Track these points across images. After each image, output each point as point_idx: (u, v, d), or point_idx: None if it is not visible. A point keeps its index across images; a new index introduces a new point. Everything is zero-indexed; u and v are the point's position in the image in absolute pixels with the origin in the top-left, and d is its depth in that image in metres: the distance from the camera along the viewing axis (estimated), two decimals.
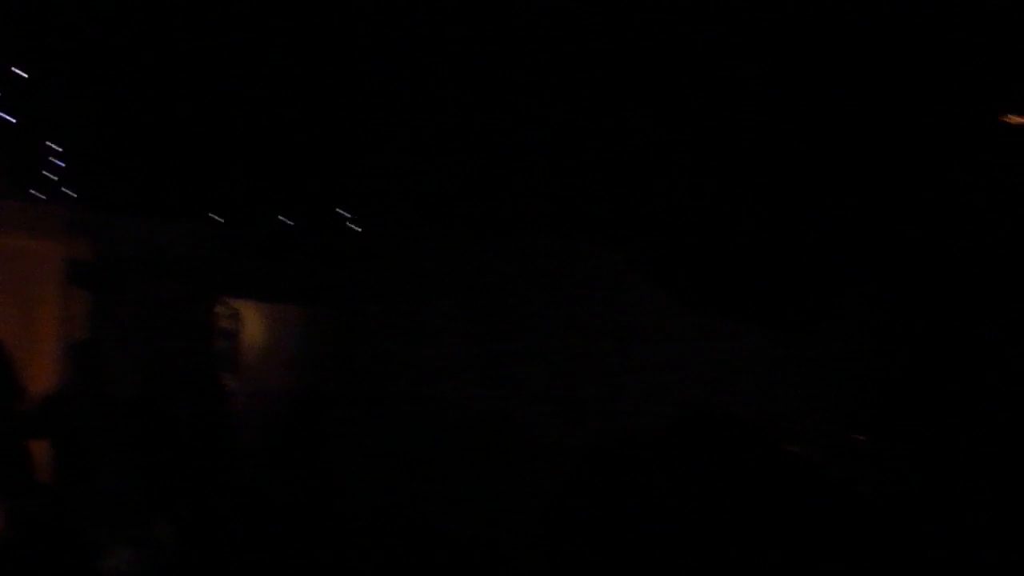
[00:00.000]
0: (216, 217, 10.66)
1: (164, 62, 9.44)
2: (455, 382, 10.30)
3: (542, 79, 8.10)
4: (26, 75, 8.87)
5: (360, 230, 10.59)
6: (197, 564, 8.22)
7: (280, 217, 10.66)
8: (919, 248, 9.45)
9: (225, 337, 12.03)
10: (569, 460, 9.01)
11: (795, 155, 8.57)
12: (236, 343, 12.15)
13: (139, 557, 7.94)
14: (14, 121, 8.98)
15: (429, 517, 9.51)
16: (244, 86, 9.60)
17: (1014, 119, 7.72)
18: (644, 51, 7.93)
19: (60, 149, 9.51)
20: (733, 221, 9.08)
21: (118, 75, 9.37)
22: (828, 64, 8.00)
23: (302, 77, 9.53)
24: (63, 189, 9.86)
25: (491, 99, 8.75)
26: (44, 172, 9.64)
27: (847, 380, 9.59)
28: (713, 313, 9.51)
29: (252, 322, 12.47)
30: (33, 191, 9.94)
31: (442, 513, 9.54)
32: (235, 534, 8.76)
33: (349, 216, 10.47)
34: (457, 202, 9.80)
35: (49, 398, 8.92)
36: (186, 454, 8.96)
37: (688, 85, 8.34)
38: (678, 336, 9.75)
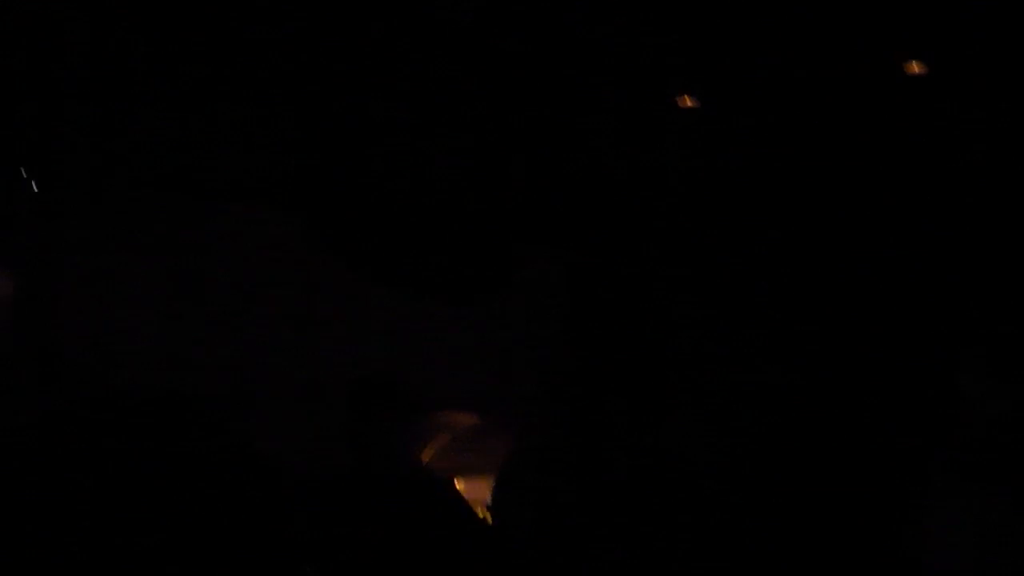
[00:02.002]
0: None
1: None
2: (136, 355, 10.08)
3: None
4: None
5: (37, 189, 10.22)
6: None
7: None
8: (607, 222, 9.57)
9: None
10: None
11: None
12: None
13: None
14: None
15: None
16: None
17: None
18: None
19: None
20: (418, 191, 9.06)
21: None
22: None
23: None
24: None
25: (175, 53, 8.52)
26: None
27: (534, 357, 9.67)
28: (395, 287, 9.49)
29: None
30: None
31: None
32: None
33: (26, 174, 10.09)
34: (141, 161, 9.56)
35: None
36: None
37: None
38: (357, 310, 9.72)
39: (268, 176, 9.37)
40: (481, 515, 7.36)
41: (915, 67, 7.93)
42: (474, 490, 7.77)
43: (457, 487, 7.48)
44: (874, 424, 8.08)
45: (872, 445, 7.79)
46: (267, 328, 9.96)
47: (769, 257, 8.99)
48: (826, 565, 7.18)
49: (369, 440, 7.20)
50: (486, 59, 8.00)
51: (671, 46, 7.55)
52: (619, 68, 7.92)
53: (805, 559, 7.29)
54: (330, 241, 9.49)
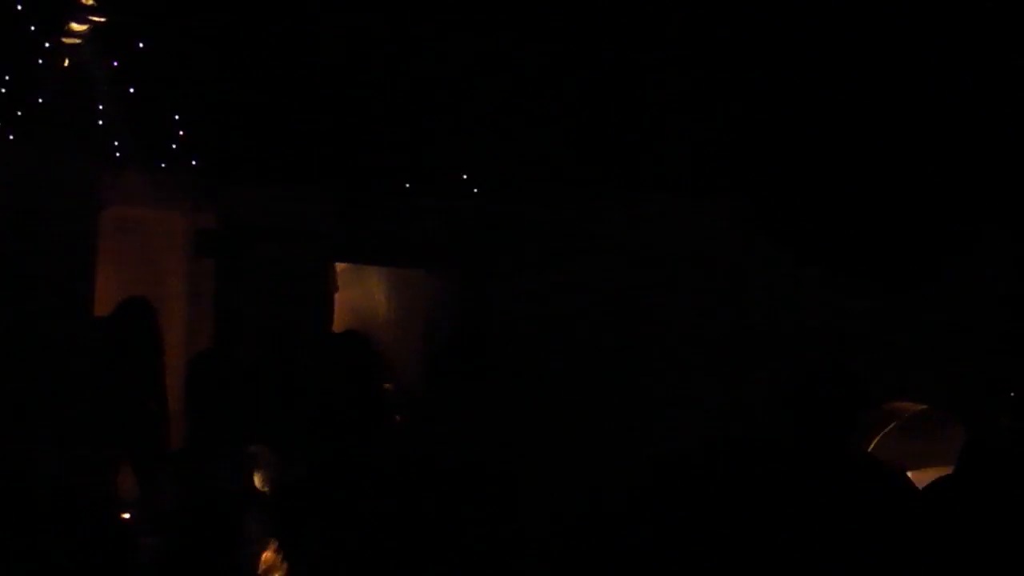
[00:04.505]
0: (337, 182, 10.71)
1: (283, 26, 9.48)
2: (580, 347, 10.31)
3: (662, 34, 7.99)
4: (144, 45, 8.97)
5: (478, 192, 10.58)
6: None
7: (402, 182, 10.68)
8: None
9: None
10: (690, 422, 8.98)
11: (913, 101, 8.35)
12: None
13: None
14: (132, 91, 9.10)
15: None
16: (360, 51, 9.62)
17: None
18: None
19: (181, 119, 9.60)
20: (855, 177, 8.90)
21: (237, 43, 9.44)
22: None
23: (418, 42, 9.50)
24: (186, 159, 9.97)
25: (606, 57, 8.65)
26: (166, 142, 9.74)
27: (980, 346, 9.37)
28: (835, 273, 9.37)
29: (376, 286, 12.55)
30: (157, 162, 10.06)
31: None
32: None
33: (468, 179, 10.46)
34: (572, 162, 9.75)
35: (192, 365, 9.12)
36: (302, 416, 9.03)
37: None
38: (798, 296, 9.65)
39: (708, 169, 9.42)
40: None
41: None
42: (923, 479, 7.57)
43: (907, 475, 7.30)
44: None
45: None
46: (703, 321, 10.05)
47: None
48: None
49: (814, 428, 7.10)
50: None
51: None
52: None
53: None
54: (774, 232, 9.47)
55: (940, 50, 7.76)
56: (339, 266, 12.14)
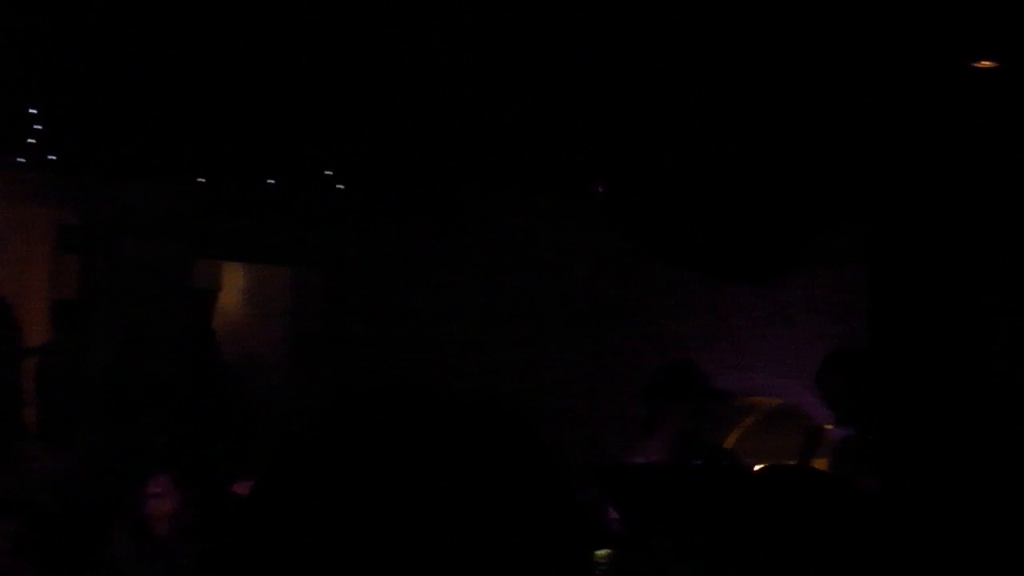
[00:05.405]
0: (201, 179, 10.60)
1: (142, 21, 9.34)
2: (444, 353, 10.32)
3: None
4: None
5: (344, 188, 10.54)
6: None
7: (265, 178, 10.60)
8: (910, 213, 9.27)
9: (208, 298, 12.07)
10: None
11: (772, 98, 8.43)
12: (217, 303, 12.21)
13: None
14: None
15: None
16: (225, 46, 9.51)
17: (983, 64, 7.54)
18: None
19: (38, 113, 9.42)
20: (704, 170, 8.97)
21: (96, 34, 9.28)
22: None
23: (283, 36, 9.41)
24: (44, 154, 9.81)
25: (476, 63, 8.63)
26: (23, 137, 9.57)
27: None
28: (694, 271, 9.44)
29: (237, 283, 12.47)
30: (14, 156, 9.90)
31: None
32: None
33: (333, 175, 10.41)
34: (436, 159, 9.75)
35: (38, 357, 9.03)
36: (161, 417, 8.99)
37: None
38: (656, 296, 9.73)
39: (563, 169, 9.45)
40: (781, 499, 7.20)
41: None
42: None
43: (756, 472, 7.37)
44: None
45: None
46: (570, 315, 10.10)
47: None
48: None
49: (672, 426, 7.16)
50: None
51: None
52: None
53: None
54: (629, 227, 9.51)
55: (795, 47, 7.83)
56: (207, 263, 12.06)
